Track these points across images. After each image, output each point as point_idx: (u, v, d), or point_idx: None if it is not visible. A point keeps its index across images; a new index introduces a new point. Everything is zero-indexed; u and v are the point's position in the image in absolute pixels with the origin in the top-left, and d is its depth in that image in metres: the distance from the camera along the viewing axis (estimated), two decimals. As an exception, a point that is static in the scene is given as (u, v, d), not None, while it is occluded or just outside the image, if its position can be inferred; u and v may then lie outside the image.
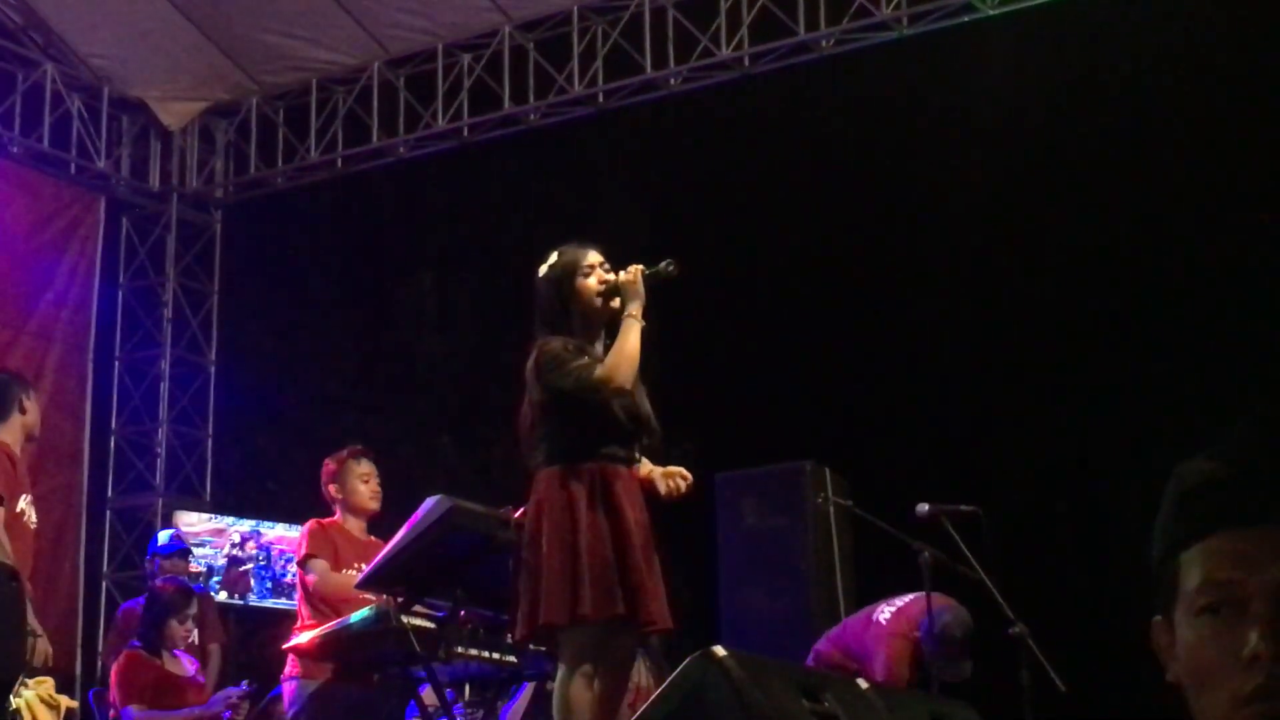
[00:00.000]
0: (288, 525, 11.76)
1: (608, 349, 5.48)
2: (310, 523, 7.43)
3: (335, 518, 7.45)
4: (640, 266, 5.53)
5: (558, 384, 5.35)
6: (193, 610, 8.32)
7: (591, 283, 5.55)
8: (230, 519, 11.85)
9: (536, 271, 5.68)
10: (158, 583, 8.73)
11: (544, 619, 5.20)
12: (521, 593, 5.30)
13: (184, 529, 11.21)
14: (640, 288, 5.49)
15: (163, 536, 10.04)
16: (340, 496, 7.45)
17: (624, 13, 11.48)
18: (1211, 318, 10.01)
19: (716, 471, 9.68)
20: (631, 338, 5.40)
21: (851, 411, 10.82)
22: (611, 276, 5.56)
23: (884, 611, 7.89)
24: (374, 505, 7.42)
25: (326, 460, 7.54)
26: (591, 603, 5.18)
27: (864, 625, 7.99)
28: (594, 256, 5.59)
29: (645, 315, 5.47)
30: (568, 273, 5.56)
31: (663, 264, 5.57)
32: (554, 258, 5.62)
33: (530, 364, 5.46)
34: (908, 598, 7.77)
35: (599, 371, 5.35)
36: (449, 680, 6.69)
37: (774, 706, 4.75)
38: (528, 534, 5.36)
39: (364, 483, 7.44)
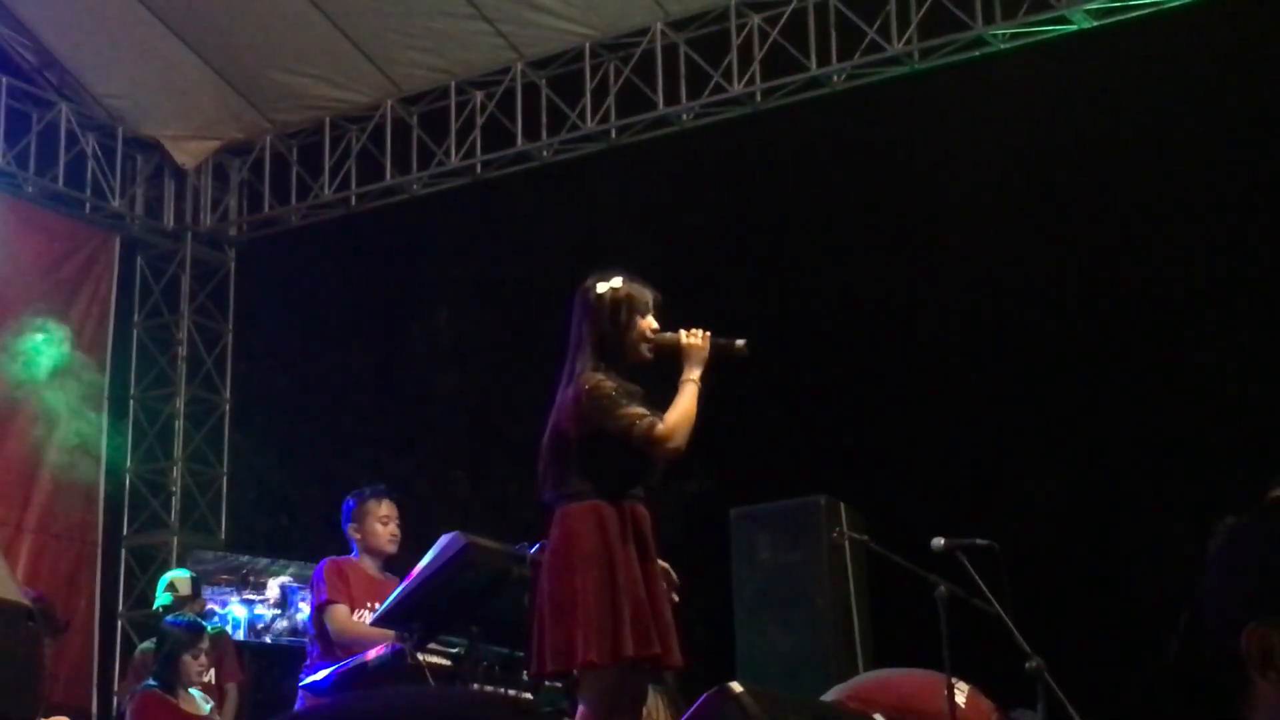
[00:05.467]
0: (303, 564, 11.75)
1: (626, 384, 5.38)
2: (326, 563, 7.39)
3: (352, 556, 7.43)
4: (709, 333, 5.43)
5: (604, 426, 5.24)
6: (204, 645, 8.30)
7: (648, 324, 5.45)
8: (245, 557, 11.83)
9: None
10: (168, 620, 8.73)
11: (584, 658, 5.10)
12: (547, 627, 5.19)
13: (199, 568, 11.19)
14: (706, 354, 5.39)
15: (164, 594, 9.95)
16: (358, 536, 7.43)
17: (635, 49, 11.53)
18: (1226, 350, 9.99)
19: (731, 506, 9.66)
20: (692, 402, 5.30)
21: (867, 446, 10.81)
22: (655, 324, 5.49)
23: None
24: (391, 548, 7.37)
25: (348, 498, 7.52)
26: (633, 644, 5.11)
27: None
28: (653, 300, 5.49)
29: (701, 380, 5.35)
30: (631, 304, 5.43)
31: (739, 342, 5.47)
32: (617, 281, 5.46)
33: (575, 396, 5.32)
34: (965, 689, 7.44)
35: (660, 429, 5.22)
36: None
37: (791, 742, 4.74)
38: (555, 566, 5.24)
39: (383, 525, 7.41)
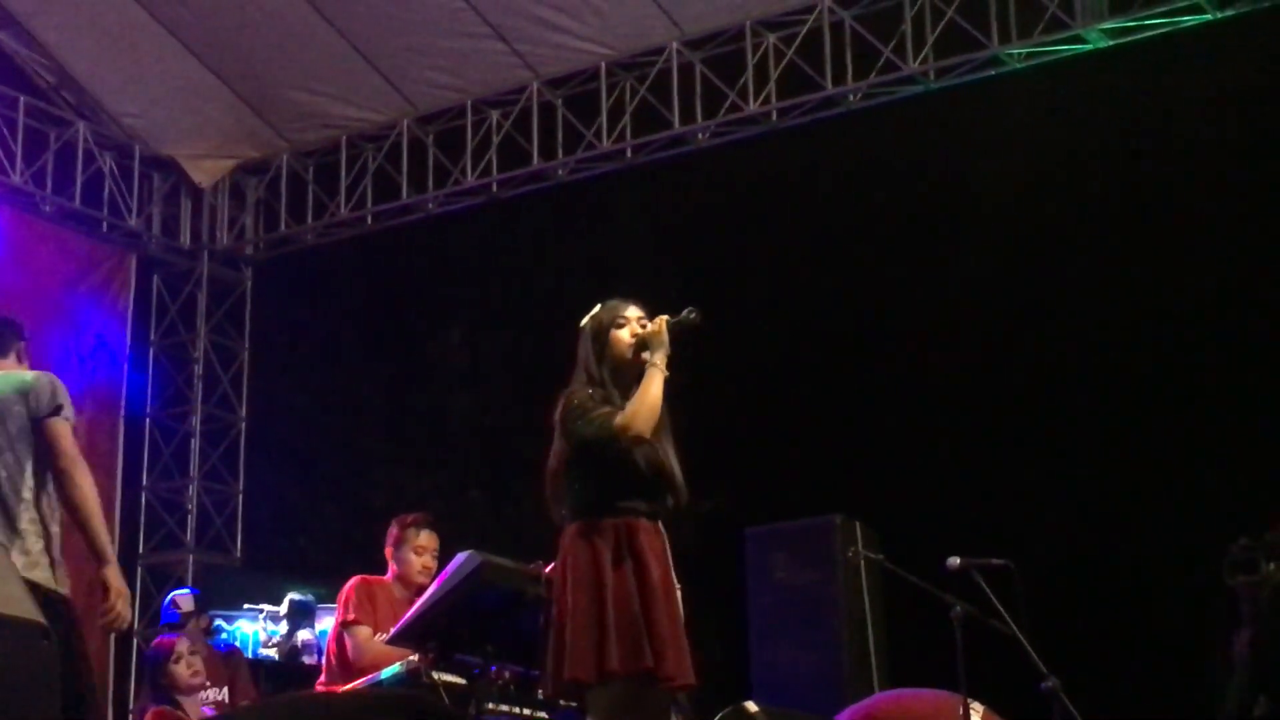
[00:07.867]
0: (318, 583, 11.73)
1: (607, 394, 5.50)
2: (356, 581, 7.37)
3: (385, 577, 7.42)
4: (665, 317, 5.56)
5: (580, 432, 5.38)
6: (183, 646, 8.22)
7: (624, 335, 5.58)
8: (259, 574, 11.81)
9: (566, 326, 5.72)
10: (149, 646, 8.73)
11: (570, 674, 5.20)
12: (550, 648, 5.30)
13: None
14: (665, 338, 5.50)
15: (168, 612, 9.97)
16: (393, 561, 7.43)
17: (651, 68, 11.56)
18: (1245, 368, 9.97)
19: (746, 526, 9.65)
20: (653, 387, 5.42)
21: (882, 465, 10.78)
22: (639, 330, 5.60)
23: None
24: (422, 580, 7.32)
25: (393, 521, 7.53)
26: (619, 658, 5.17)
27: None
28: (632, 310, 5.63)
29: (671, 366, 5.48)
30: (604, 324, 5.60)
31: (685, 312, 5.58)
32: (596, 310, 5.67)
33: (556, 413, 5.50)
34: (980, 709, 7.44)
35: (618, 419, 5.36)
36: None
37: (805, 762, 4.74)
38: (556, 588, 5.37)
39: (417, 555, 7.40)
